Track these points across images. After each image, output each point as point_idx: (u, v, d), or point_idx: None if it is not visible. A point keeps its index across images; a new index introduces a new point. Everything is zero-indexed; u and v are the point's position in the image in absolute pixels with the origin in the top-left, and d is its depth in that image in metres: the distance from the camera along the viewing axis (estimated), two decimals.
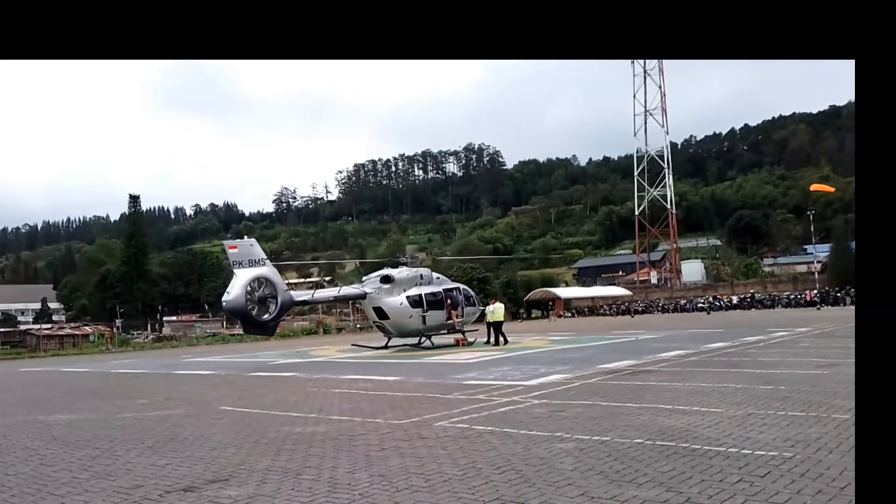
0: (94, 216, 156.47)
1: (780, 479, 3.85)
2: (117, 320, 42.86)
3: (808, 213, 51.77)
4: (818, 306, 40.83)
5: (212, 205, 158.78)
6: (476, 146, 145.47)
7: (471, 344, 18.84)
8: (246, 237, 19.15)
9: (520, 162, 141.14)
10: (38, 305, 69.45)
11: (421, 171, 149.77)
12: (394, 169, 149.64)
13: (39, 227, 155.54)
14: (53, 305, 69.00)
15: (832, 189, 47.63)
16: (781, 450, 4.56)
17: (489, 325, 18.98)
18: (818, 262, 52.86)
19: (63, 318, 60.50)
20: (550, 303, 55.62)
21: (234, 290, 16.37)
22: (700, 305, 49.25)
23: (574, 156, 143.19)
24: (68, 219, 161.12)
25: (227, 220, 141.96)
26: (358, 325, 42.93)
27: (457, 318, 19.43)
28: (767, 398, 6.88)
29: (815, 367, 9.42)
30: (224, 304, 17.01)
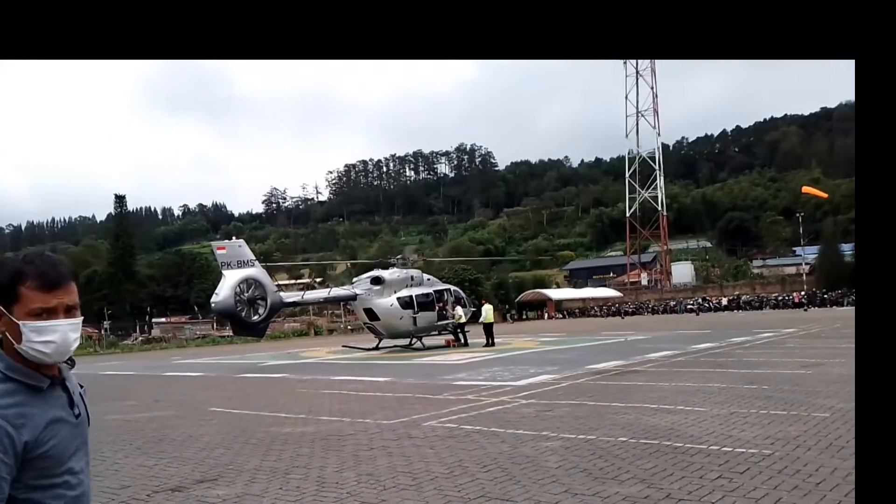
0: (80, 216, 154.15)
1: (758, 476, 3.94)
2: (105, 322, 42.30)
3: (798, 215, 52.56)
4: (805, 308, 41.43)
5: (200, 205, 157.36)
6: (468, 147, 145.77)
7: (464, 345, 18.91)
8: (234, 238, 19.07)
9: (512, 163, 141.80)
10: None
11: (412, 172, 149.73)
12: (385, 169, 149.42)
13: (23, 228, 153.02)
14: None
15: (825, 195, 48.15)
16: (761, 447, 4.67)
17: (456, 326, 19.17)
18: (806, 264, 53.66)
19: None
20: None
21: (223, 292, 16.29)
22: (689, 307, 49.76)
23: (566, 157, 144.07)
24: (53, 219, 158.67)
25: (215, 221, 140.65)
26: (349, 327, 42.80)
27: (445, 309, 19.56)
28: (751, 397, 7.01)
29: (800, 367, 9.58)
30: (213, 305, 16.91)
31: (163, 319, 48.71)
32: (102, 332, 39.84)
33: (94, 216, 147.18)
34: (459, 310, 19.34)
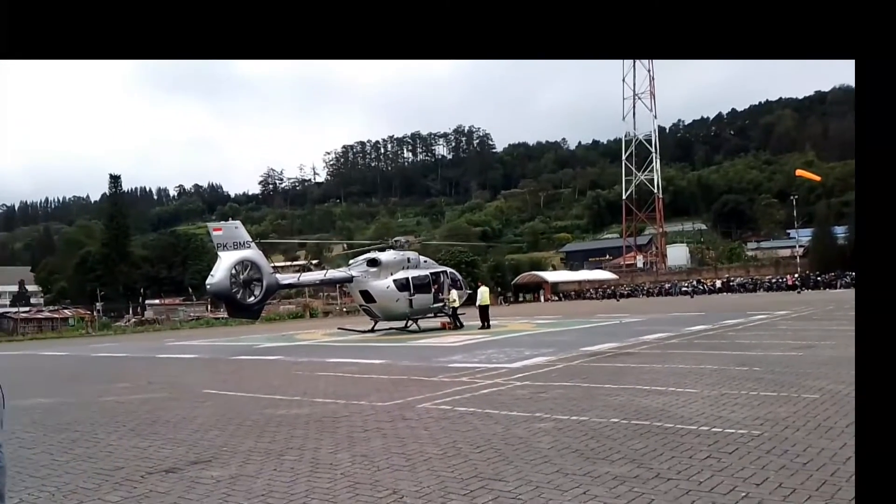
0: (74, 196, 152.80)
1: (746, 456, 3.99)
2: (98, 304, 42.25)
3: (792, 197, 52.66)
4: (798, 290, 41.86)
5: (196, 186, 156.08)
6: (466, 128, 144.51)
7: (459, 327, 19.01)
8: (231, 219, 18.95)
9: (509, 145, 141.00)
10: (15, 288, 67.92)
11: (410, 154, 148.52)
12: (383, 151, 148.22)
13: (17, 208, 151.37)
14: (31, 288, 67.57)
15: (818, 178, 48.13)
16: (751, 428, 4.72)
17: (454, 310, 19.04)
18: (800, 246, 54.04)
19: (41, 301, 59.38)
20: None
21: (219, 273, 16.24)
22: (684, 289, 50.20)
23: (564, 139, 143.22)
24: (47, 199, 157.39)
25: (211, 202, 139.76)
26: (345, 309, 42.95)
27: (448, 298, 19.48)
28: (741, 379, 7.09)
29: (791, 349, 9.69)
30: (208, 287, 16.87)
31: (156, 301, 48.66)
32: (95, 313, 39.81)
33: (88, 196, 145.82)
34: (454, 293, 19.30)
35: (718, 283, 50.93)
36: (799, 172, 42.90)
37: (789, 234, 62.88)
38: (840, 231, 52.78)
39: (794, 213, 50.40)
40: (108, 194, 61.03)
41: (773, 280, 49.04)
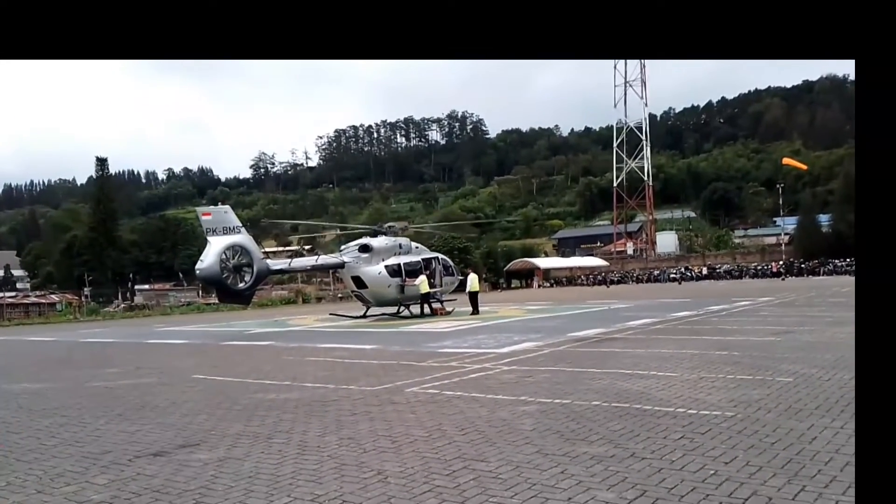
0: (60, 179, 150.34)
1: (718, 436, 4.15)
2: (86, 289, 41.80)
3: (779, 186, 53.23)
4: (783, 277, 42.61)
5: (185, 169, 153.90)
6: (459, 114, 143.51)
7: (449, 313, 19.14)
8: (221, 204, 18.78)
9: (503, 131, 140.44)
10: (0, 273, 66.97)
11: (403, 139, 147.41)
12: (376, 135, 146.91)
13: (1, 191, 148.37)
14: (17, 273, 66.68)
15: (804, 167, 48.55)
16: (724, 410, 4.89)
17: (424, 296, 18.46)
18: (786, 234, 54.80)
19: (27, 285, 58.64)
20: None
21: (208, 259, 16.17)
22: (672, 276, 50.85)
23: (557, 125, 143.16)
24: (32, 182, 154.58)
25: (201, 186, 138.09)
26: (338, 295, 42.94)
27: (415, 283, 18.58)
28: (720, 363, 7.28)
29: (770, 335, 9.93)
30: (198, 272, 16.80)
31: (146, 286, 48.26)
32: (83, 298, 39.40)
33: (74, 179, 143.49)
34: (421, 278, 18.52)
35: (705, 270, 51.69)
36: (786, 161, 43.32)
37: (775, 221, 63.71)
38: (824, 219, 53.60)
39: (781, 202, 50.98)
40: (95, 177, 60.00)
41: (759, 267, 49.83)
